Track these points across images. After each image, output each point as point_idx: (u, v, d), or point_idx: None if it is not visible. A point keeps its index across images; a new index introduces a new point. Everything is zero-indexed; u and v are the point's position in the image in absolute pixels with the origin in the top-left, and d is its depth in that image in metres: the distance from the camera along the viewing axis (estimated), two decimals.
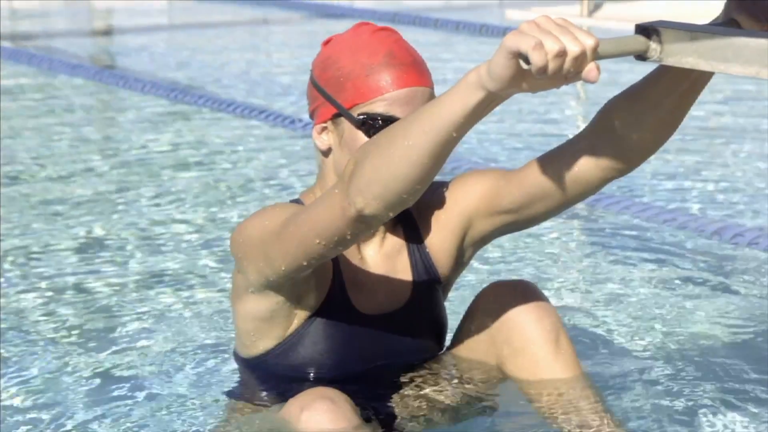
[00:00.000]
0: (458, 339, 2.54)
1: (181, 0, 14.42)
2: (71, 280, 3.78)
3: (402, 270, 2.43)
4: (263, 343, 2.37)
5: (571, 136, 2.24)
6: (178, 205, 4.73)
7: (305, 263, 2.11)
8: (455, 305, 2.79)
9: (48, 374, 3.01)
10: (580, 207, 4.68)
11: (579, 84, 1.78)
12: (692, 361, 3.05)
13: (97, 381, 2.97)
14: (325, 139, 2.34)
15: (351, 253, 2.37)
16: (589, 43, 1.70)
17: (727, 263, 3.96)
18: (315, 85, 2.34)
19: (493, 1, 14.26)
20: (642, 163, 2.26)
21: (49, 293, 3.65)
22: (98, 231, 4.36)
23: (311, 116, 2.38)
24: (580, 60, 1.70)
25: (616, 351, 3.12)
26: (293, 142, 6.07)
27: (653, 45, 1.83)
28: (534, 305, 2.41)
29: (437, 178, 2.01)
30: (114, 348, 3.18)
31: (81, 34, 11.56)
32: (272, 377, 2.41)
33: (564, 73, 1.70)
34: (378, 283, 2.40)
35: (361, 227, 2.01)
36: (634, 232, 4.34)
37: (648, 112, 2.13)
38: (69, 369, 3.04)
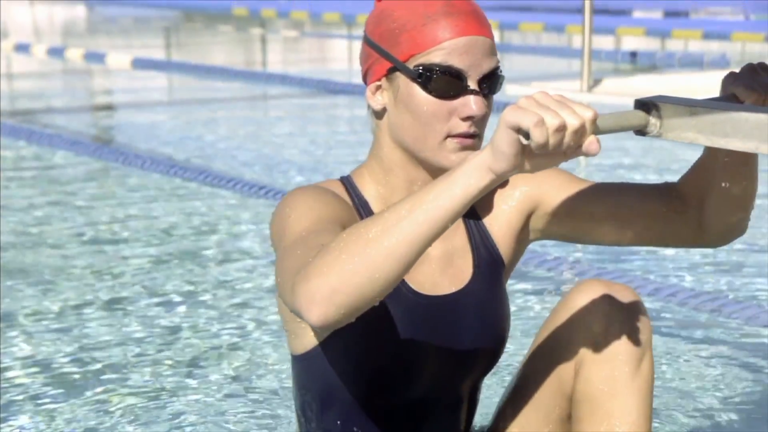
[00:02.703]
0: (541, 333, 2.35)
1: (181, 76, 14.52)
2: (69, 356, 3.76)
3: (461, 248, 2.30)
4: (314, 331, 2.20)
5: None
6: (180, 282, 4.71)
7: None
8: None
9: None
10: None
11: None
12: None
13: None
14: (379, 99, 2.19)
15: None
16: (587, 115, 1.70)
17: (727, 339, 3.95)
18: (368, 41, 2.19)
19: None
20: (721, 243, 2.25)
21: (42, 372, 3.62)
22: (96, 305, 4.33)
23: (364, 79, 2.22)
24: (580, 133, 1.70)
25: None
26: None
27: (653, 120, 1.83)
28: (628, 315, 2.23)
29: None
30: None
31: (80, 111, 11.62)
32: (327, 385, 2.24)
33: (564, 148, 1.70)
34: (436, 260, 2.26)
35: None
36: None
37: (711, 181, 2.17)
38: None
